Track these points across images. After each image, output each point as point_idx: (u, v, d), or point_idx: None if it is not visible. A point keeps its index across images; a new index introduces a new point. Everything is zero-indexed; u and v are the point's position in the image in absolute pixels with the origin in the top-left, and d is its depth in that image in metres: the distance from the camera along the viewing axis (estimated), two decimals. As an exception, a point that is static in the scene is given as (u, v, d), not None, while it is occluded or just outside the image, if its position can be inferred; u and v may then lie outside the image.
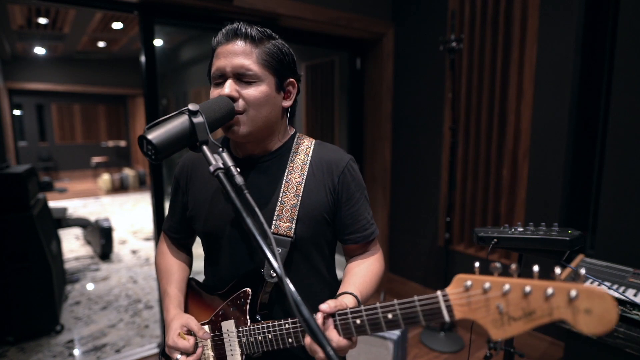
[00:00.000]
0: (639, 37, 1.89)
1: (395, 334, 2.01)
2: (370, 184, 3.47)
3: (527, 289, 0.55)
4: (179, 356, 0.88)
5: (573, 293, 0.51)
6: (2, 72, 7.71)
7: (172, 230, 1.10)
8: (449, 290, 0.62)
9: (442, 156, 2.88)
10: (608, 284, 1.70)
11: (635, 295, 1.62)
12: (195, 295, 1.04)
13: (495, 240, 1.20)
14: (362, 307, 0.71)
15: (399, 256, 3.38)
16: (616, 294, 1.63)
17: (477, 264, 0.63)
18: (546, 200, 2.32)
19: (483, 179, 2.67)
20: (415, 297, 0.65)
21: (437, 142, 2.91)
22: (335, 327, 0.74)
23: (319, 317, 0.73)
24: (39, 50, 8.08)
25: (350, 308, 0.73)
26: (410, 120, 3.14)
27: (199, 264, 1.12)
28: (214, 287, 1.00)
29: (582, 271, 0.53)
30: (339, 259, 1.10)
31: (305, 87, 4.43)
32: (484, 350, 2.53)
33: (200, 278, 1.10)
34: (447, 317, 0.62)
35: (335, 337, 0.73)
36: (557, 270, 0.55)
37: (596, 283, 1.72)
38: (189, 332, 0.91)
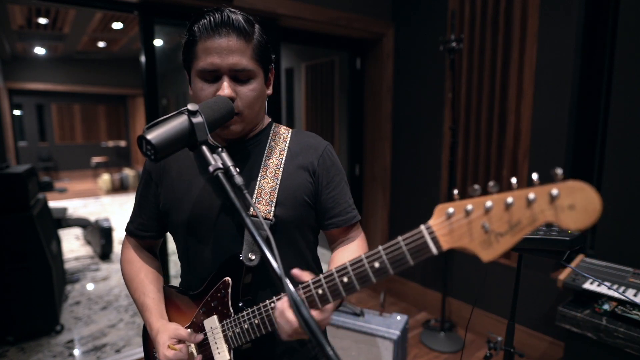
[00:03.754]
0: (639, 37, 1.89)
1: (395, 333, 2.01)
2: (370, 184, 3.47)
3: (509, 200, 0.54)
4: None
5: (554, 192, 0.51)
6: (2, 72, 7.71)
7: (141, 228, 1.03)
8: (431, 221, 0.61)
9: (442, 156, 2.88)
10: (608, 284, 1.70)
11: (635, 295, 1.62)
12: (172, 302, 0.99)
13: (495, 240, 1.20)
14: (347, 263, 0.69)
15: (399, 256, 3.37)
16: (616, 294, 1.63)
17: (455, 191, 0.62)
18: (546, 200, 2.32)
19: (483, 178, 2.67)
20: (399, 238, 0.64)
21: (437, 142, 2.91)
22: (310, 300, 0.73)
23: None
24: (39, 50, 8.08)
25: (335, 268, 0.71)
26: (410, 120, 3.14)
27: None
28: (191, 287, 0.97)
29: (559, 171, 0.51)
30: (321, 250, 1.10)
31: (305, 87, 4.43)
32: (484, 350, 2.53)
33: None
34: (434, 250, 0.61)
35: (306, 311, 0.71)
36: (535, 176, 0.54)
37: (596, 283, 1.72)
38: (179, 342, 0.88)
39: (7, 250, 2.55)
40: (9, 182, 2.59)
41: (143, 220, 1.03)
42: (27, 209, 2.65)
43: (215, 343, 0.88)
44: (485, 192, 0.57)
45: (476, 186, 0.57)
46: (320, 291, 0.72)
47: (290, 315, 0.71)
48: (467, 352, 2.54)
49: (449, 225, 0.59)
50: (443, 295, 2.76)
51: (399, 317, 2.14)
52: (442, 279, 2.80)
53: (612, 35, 2.10)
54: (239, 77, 0.85)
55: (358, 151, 3.52)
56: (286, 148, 0.95)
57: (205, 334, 0.90)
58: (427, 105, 2.98)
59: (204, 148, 0.75)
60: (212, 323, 0.89)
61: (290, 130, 1.00)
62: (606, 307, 1.63)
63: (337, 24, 2.83)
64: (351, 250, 0.95)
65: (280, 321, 0.73)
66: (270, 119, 1.03)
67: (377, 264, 0.66)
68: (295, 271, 0.73)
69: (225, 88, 0.84)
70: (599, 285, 1.70)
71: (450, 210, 0.58)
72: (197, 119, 0.75)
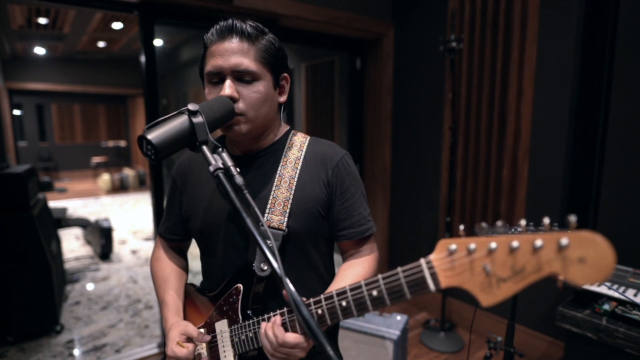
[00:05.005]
0: (639, 37, 1.89)
1: (395, 333, 2.01)
2: (370, 184, 3.47)
3: (514, 244, 0.51)
4: None
5: (564, 242, 0.47)
6: (2, 72, 7.71)
7: (168, 232, 1.08)
8: (432, 256, 0.59)
9: (442, 156, 2.88)
10: (608, 284, 1.70)
11: (635, 295, 1.62)
12: (191, 300, 1.02)
13: (495, 240, 1.20)
14: (347, 287, 0.70)
15: (399, 256, 3.38)
16: (616, 294, 1.63)
17: (462, 227, 0.60)
18: (546, 200, 2.33)
19: (483, 179, 2.67)
20: (399, 269, 0.63)
21: (437, 142, 2.91)
22: (284, 324, 0.76)
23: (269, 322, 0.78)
24: (39, 50, 8.08)
25: (335, 290, 0.72)
26: (410, 120, 3.14)
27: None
28: (209, 289, 0.99)
29: (573, 218, 0.48)
30: (337, 258, 1.10)
31: (306, 87, 4.43)
32: (484, 350, 2.52)
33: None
34: (432, 286, 0.59)
35: (280, 333, 0.75)
36: (546, 220, 0.52)
37: (596, 283, 1.72)
38: (189, 339, 0.90)
39: (7, 250, 2.55)
40: (9, 182, 2.59)
41: (170, 225, 1.08)
42: (27, 209, 2.65)
43: (223, 346, 0.89)
44: (492, 230, 0.55)
45: (484, 224, 0.56)
46: (319, 311, 0.73)
47: (271, 334, 0.75)
48: (467, 352, 2.53)
49: (449, 262, 0.57)
50: (443, 295, 2.76)
51: (399, 317, 2.14)
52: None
53: (612, 35, 2.09)
54: (242, 78, 0.85)
55: (358, 151, 3.52)
56: (302, 157, 0.94)
57: (214, 336, 0.91)
58: (427, 105, 2.98)
59: (205, 148, 0.75)
60: (222, 326, 0.90)
61: (308, 139, 0.99)
62: (606, 307, 1.63)
63: (337, 24, 2.83)
64: (357, 267, 0.94)
65: (263, 340, 0.77)
66: (288, 127, 1.02)
67: (375, 292, 0.66)
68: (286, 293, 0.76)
69: (227, 88, 0.83)
70: (599, 285, 1.70)
71: (453, 247, 0.57)
72: (198, 119, 0.75)
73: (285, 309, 0.76)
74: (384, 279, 0.65)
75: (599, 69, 2.20)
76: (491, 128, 2.60)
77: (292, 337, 0.74)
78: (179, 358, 0.86)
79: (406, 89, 3.14)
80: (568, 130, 2.21)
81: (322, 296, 0.74)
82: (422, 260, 0.60)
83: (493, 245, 0.53)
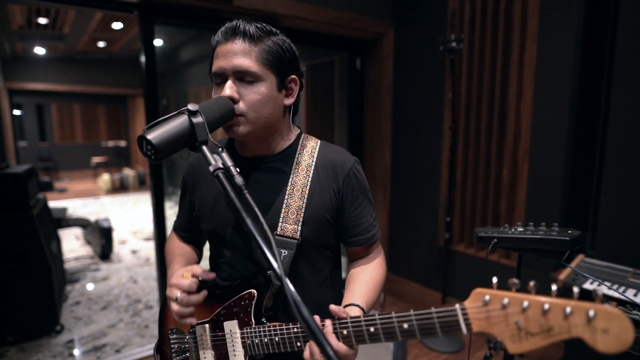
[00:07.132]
0: (639, 37, 1.89)
1: (395, 334, 2.01)
2: (371, 184, 3.44)
3: (546, 306, 0.56)
4: (179, 294, 0.83)
5: (591, 313, 0.52)
6: (2, 72, 7.71)
7: (180, 228, 1.13)
8: (467, 304, 0.63)
9: (442, 156, 2.88)
10: (608, 284, 1.70)
11: (635, 295, 1.61)
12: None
13: (495, 240, 1.20)
14: (377, 316, 0.71)
15: (399, 256, 3.37)
16: (616, 294, 1.62)
17: (495, 279, 0.64)
18: (546, 200, 2.32)
19: (483, 179, 2.67)
20: (433, 309, 0.66)
21: (437, 142, 2.91)
22: (335, 332, 0.74)
23: (317, 318, 0.74)
24: (39, 50, 8.08)
25: (364, 316, 0.73)
26: (410, 120, 3.14)
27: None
28: (216, 286, 1.00)
29: (599, 292, 0.54)
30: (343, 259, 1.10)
31: (306, 87, 4.42)
32: (484, 350, 2.52)
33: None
34: (464, 330, 0.63)
35: (334, 341, 0.73)
36: (575, 289, 0.57)
37: (596, 283, 1.72)
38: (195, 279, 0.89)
39: (7, 250, 2.55)
40: (9, 182, 2.59)
41: (182, 222, 1.12)
42: (27, 209, 2.65)
43: (233, 346, 0.90)
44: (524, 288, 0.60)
45: (516, 280, 0.60)
46: (345, 332, 0.74)
47: (334, 340, 0.73)
48: (467, 352, 2.53)
49: (484, 312, 0.61)
50: (443, 295, 2.76)
51: (399, 317, 2.14)
52: (442, 279, 2.80)
53: (612, 35, 2.09)
54: (243, 78, 0.85)
55: (358, 151, 3.51)
56: (313, 164, 0.95)
57: (221, 334, 0.92)
58: (427, 105, 2.98)
59: (205, 148, 0.75)
60: (232, 327, 0.90)
61: (319, 143, 0.99)
62: (606, 307, 1.63)
63: (337, 24, 2.83)
64: (369, 272, 0.97)
65: (311, 344, 0.74)
66: (299, 130, 1.02)
67: (405, 325, 0.68)
68: (333, 307, 0.75)
69: (227, 88, 0.84)
70: (599, 285, 1.70)
71: (487, 297, 0.61)
72: (197, 119, 0.75)
73: (336, 319, 0.75)
74: (416, 315, 0.67)
75: (599, 69, 2.20)
76: (491, 128, 2.60)
77: (344, 348, 0.74)
78: (181, 286, 0.84)
79: (406, 89, 3.14)
80: (568, 130, 2.21)
81: (348, 318, 0.74)
82: (457, 306, 0.64)
83: (526, 304, 0.58)
